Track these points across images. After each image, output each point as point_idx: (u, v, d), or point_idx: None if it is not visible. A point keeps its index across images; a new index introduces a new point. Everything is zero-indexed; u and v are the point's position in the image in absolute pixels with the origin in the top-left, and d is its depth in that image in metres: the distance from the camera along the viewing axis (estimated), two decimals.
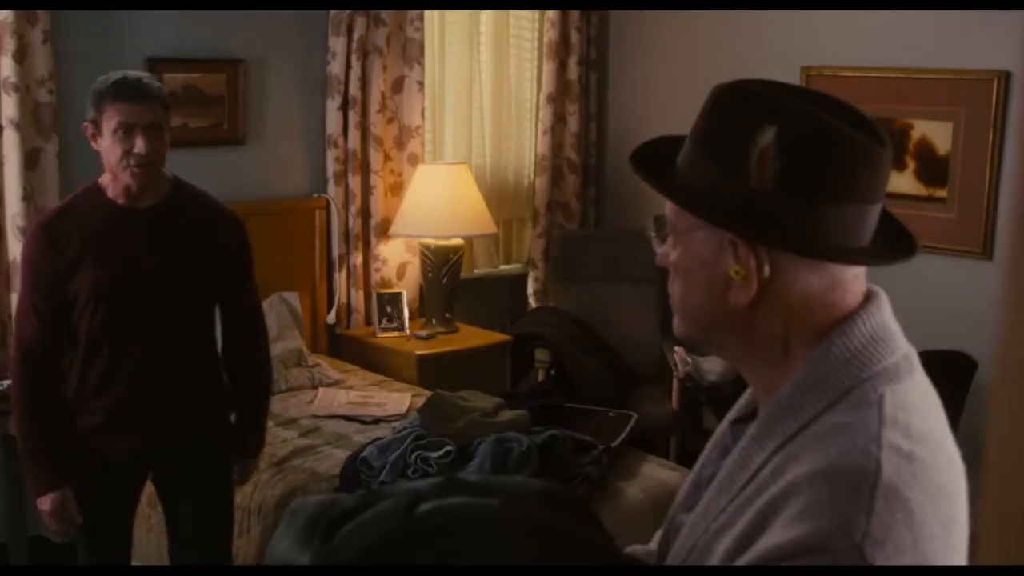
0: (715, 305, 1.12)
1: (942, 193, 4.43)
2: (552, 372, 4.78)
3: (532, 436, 3.30)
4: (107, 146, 2.66)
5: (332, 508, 1.19)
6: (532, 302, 5.40)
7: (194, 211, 2.82)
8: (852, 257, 1.10)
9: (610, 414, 3.81)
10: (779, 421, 1.08)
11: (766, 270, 1.09)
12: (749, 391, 1.24)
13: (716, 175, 1.10)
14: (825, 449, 1.02)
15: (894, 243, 1.15)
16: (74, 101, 3.94)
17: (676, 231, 1.16)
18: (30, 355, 2.73)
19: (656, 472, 3.54)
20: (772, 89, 1.11)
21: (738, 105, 1.11)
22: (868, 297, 1.13)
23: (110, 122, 2.62)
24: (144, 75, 2.68)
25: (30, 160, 3.74)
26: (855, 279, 1.12)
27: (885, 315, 1.12)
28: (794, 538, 0.97)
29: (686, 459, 4.27)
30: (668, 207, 1.17)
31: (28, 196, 3.73)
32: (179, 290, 2.76)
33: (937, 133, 4.42)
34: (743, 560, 1.02)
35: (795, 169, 1.06)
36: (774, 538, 0.99)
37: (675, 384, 4.67)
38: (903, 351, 1.11)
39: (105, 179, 2.77)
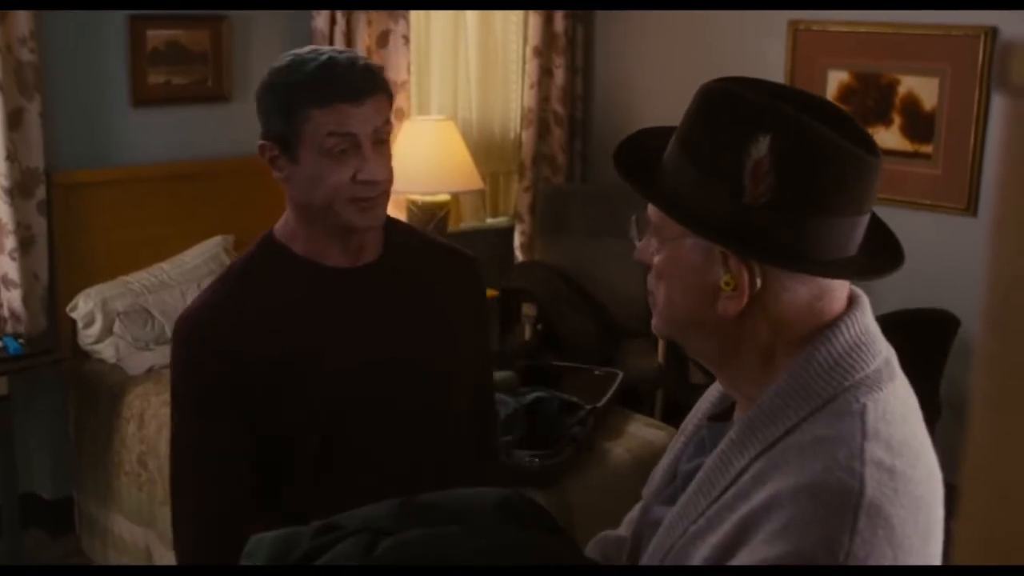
0: (701, 312, 1.12)
1: (927, 149, 4.44)
2: (539, 326, 4.81)
3: (518, 398, 3.33)
4: (309, 175, 1.69)
5: (287, 550, 1.19)
6: (519, 255, 5.40)
7: (424, 260, 1.90)
8: (844, 271, 1.10)
9: (596, 372, 3.84)
10: (760, 427, 1.09)
11: (758, 283, 1.08)
12: (717, 384, 1.25)
13: (707, 185, 1.08)
14: (808, 463, 1.03)
15: (881, 249, 1.15)
16: (56, 59, 3.91)
17: (662, 235, 1.14)
18: (202, 536, 1.77)
19: (642, 432, 3.57)
20: (762, 94, 1.08)
21: (726, 110, 1.08)
22: (850, 301, 1.13)
23: (315, 135, 1.66)
24: (357, 55, 1.72)
25: (13, 120, 3.71)
26: (841, 285, 1.12)
27: (867, 319, 1.13)
28: (777, 555, 0.98)
29: (671, 413, 4.31)
30: (652, 209, 1.15)
31: (12, 156, 3.70)
32: (431, 389, 1.84)
33: (923, 89, 4.42)
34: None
35: (789, 183, 1.04)
36: (757, 553, 1.00)
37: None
38: (884, 355, 1.12)
39: (287, 232, 1.79)
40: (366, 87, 1.67)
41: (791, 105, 1.06)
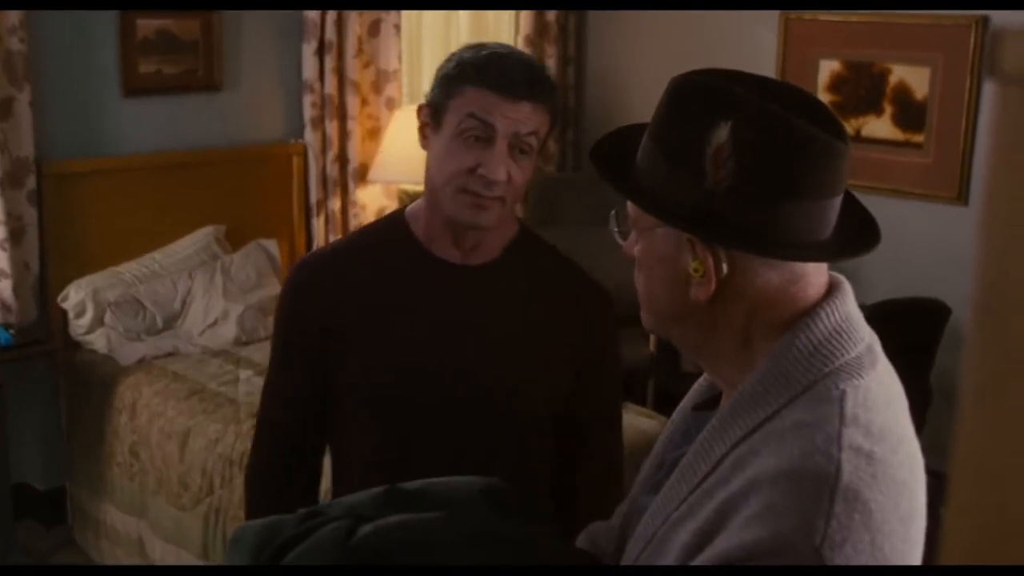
0: (677, 300, 1.13)
1: (919, 138, 4.45)
2: None
3: None
4: (440, 149, 1.67)
5: (272, 536, 1.19)
6: None
7: (543, 282, 1.80)
8: (811, 255, 1.10)
9: None
10: (741, 414, 1.09)
11: (724, 268, 1.09)
12: (706, 375, 1.25)
13: (672, 174, 1.09)
14: (787, 448, 1.03)
15: (857, 232, 1.15)
16: (46, 49, 3.89)
17: (639, 227, 1.16)
18: (265, 462, 1.87)
19: (634, 421, 3.58)
20: (727, 82, 1.09)
21: (692, 100, 1.10)
22: (831, 287, 1.14)
23: (460, 111, 1.64)
24: (535, 61, 1.74)
25: (3, 109, 3.69)
26: (817, 271, 1.13)
27: (848, 305, 1.13)
28: (755, 540, 0.98)
29: (663, 402, 4.32)
30: (630, 202, 1.17)
31: (2, 146, 3.69)
32: (513, 405, 1.76)
33: (915, 78, 4.42)
34: (703, 557, 1.03)
35: (750, 168, 1.05)
36: (734, 538, 1.00)
37: None
38: (866, 341, 1.12)
39: (416, 210, 1.78)
40: (524, 88, 1.63)
41: (758, 93, 1.06)
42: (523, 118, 1.63)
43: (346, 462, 1.83)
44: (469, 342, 1.74)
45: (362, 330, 1.73)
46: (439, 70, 1.71)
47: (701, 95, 1.09)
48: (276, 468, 1.85)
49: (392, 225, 1.80)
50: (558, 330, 1.78)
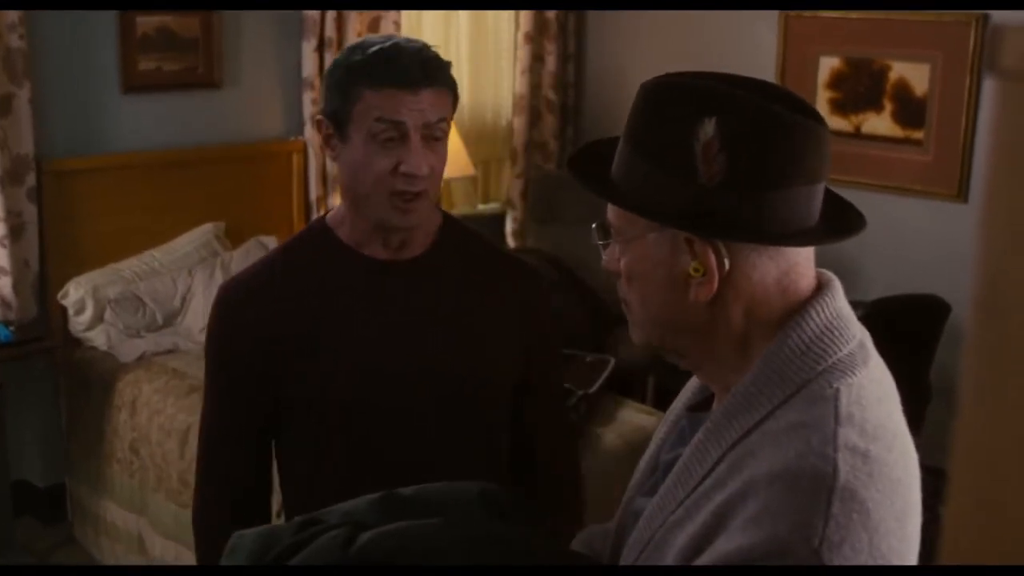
0: (676, 305, 1.12)
1: (918, 135, 4.44)
2: None
3: None
4: (355, 158, 1.65)
5: (270, 544, 1.19)
6: (511, 242, 5.41)
7: (474, 266, 1.80)
8: (809, 239, 1.10)
9: (587, 359, 3.84)
10: (736, 416, 1.09)
11: (726, 263, 1.08)
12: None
13: (661, 176, 1.09)
14: (782, 449, 1.03)
15: (841, 217, 1.15)
16: (46, 46, 3.90)
17: (624, 236, 1.14)
18: (215, 506, 1.79)
19: (633, 417, 3.58)
20: (702, 80, 1.09)
21: (671, 101, 1.09)
22: (821, 284, 1.13)
23: (365, 118, 1.62)
24: (426, 46, 1.66)
25: (3, 106, 3.69)
26: (806, 261, 1.13)
27: (839, 302, 1.12)
28: (752, 542, 0.98)
29: (663, 399, 4.32)
30: (612, 213, 1.15)
31: (1, 143, 3.69)
32: (465, 394, 1.75)
33: (915, 75, 4.42)
34: (701, 560, 1.03)
35: (742, 159, 1.05)
36: (733, 540, 1.00)
37: None
38: (858, 338, 1.12)
39: (338, 216, 1.76)
40: (424, 77, 1.61)
41: (731, 87, 1.07)
42: (428, 107, 1.62)
43: (313, 481, 1.76)
44: (430, 336, 1.73)
45: (314, 343, 1.70)
46: (328, 79, 1.68)
47: (680, 95, 1.09)
48: (226, 511, 1.76)
49: (317, 235, 1.77)
50: (503, 313, 1.78)
